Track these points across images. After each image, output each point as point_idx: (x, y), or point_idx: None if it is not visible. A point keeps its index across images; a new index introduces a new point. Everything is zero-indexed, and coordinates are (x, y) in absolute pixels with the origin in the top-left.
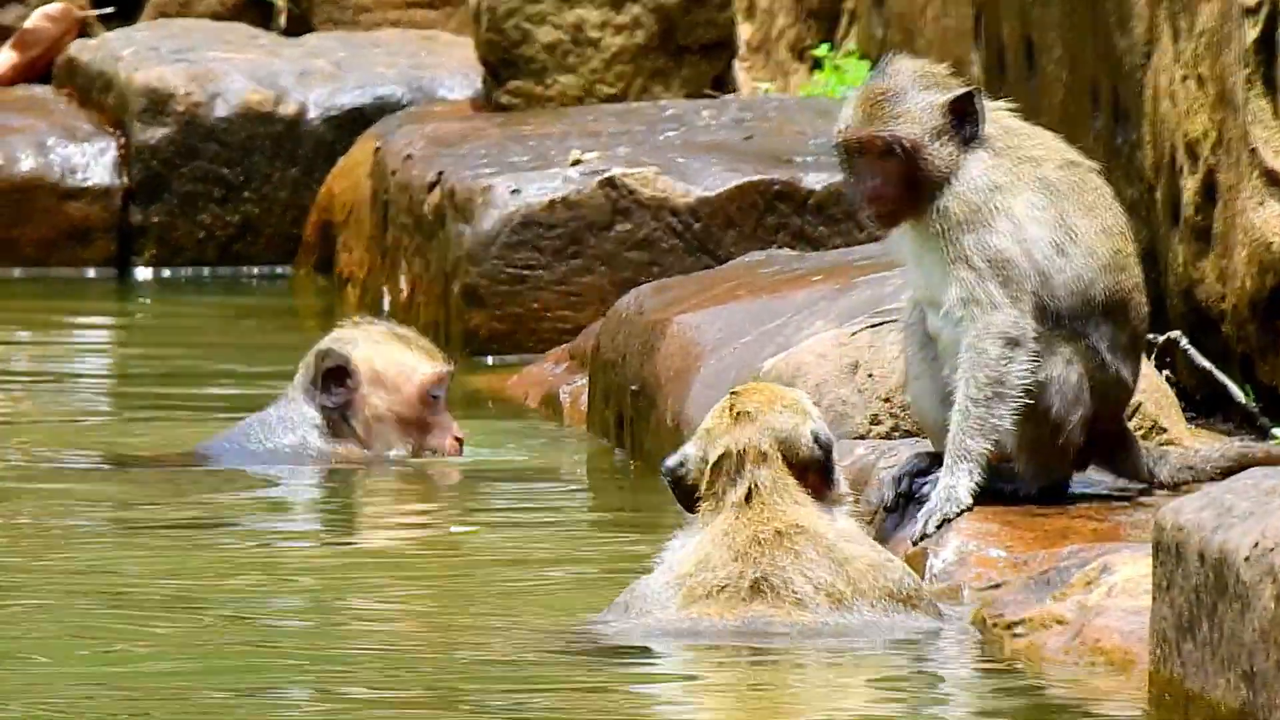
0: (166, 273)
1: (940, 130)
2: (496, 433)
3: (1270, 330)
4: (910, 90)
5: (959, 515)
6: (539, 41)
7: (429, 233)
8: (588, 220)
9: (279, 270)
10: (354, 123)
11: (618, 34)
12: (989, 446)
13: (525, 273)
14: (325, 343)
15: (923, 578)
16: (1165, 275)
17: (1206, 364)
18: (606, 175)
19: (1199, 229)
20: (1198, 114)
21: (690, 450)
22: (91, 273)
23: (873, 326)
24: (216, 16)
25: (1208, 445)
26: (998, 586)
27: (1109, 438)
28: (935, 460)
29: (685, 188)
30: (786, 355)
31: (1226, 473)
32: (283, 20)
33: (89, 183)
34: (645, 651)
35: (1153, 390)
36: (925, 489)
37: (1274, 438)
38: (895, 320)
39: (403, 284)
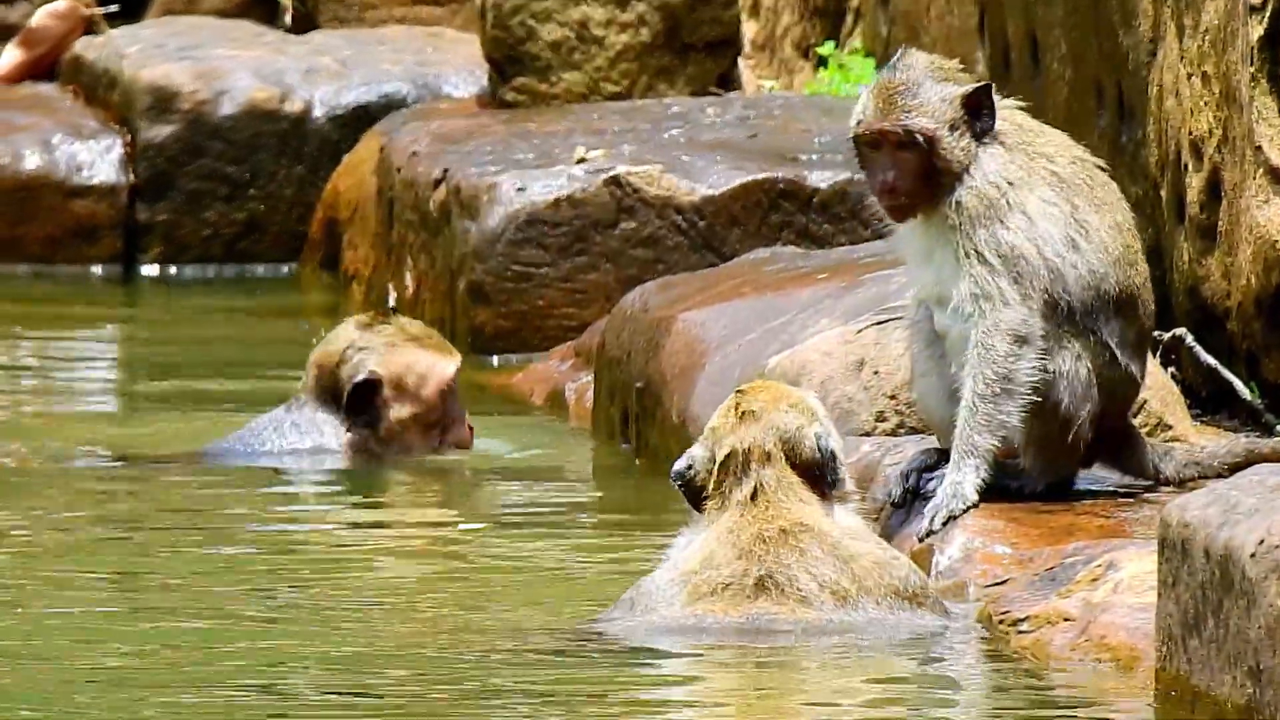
0: (172, 270)
1: (956, 123)
2: (502, 430)
3: (1275, 327)
4: (925, 83)
5: (965, 512)
6: (544, 39)
7: (434, 230)
8: (593, 218)
9: (284, 268)
10: (359, 120)
11: (623, 31)
12: (996, 443)
13: (530, 270)
14: (351, 360)
15: (928, 574)
16: (1170, 272)
17: (1212, 361)
18: (611, 173)
19: (1204, 226)
20: (1202, 112)
21: (697, 452)
22: (97, 270)
23: (878, 324)
24: (222, 14)
25: (1213, 442)
26: (1003, 583)
27: (1115, 434)
28: (942, 456)
29: (690, 185)
30: (792, 353)
31: (1232, 469)
32: (288, 18)
33: (95, 180)
34: (650, 649)
35: (1158, 387)
36: (931, 485)
37: (1279, 434)
38: (901, 317)
39: (408, 281)
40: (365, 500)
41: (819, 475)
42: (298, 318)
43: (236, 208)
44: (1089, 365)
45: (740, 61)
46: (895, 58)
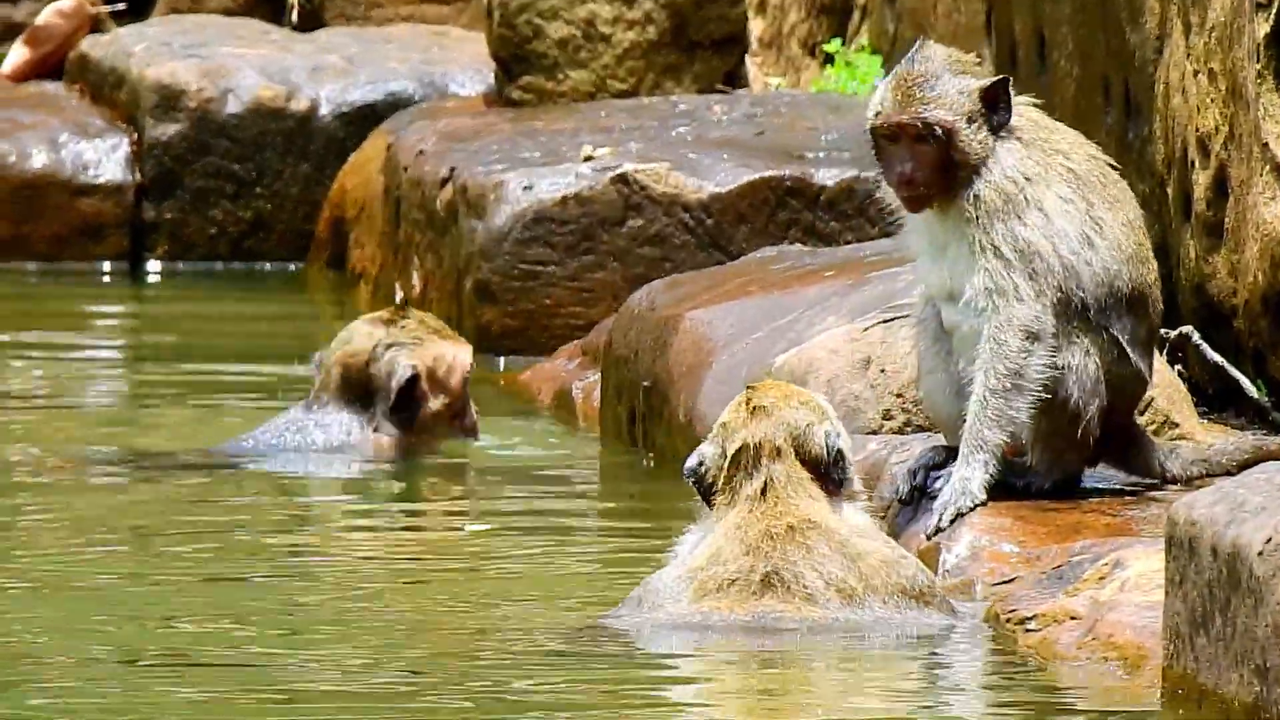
0: (179, 268)
1: (973, 116)
2: (509, 429)
3: None
4: (944, 76)
5: (973, 509)
6: (551, 37)
7: (441, 229)
8: (600, 216)
9: (291, 266)
10: (366, 119)
11: (629, 29)
12: (1005, 438)
13: (537, 269)
14: (383, 357)
15: (935, 573)
16: (1177, 270)
17: (1219, 359)
18: (618, 171)
19: (1210, 224)
20: (1209, 109)
21: (708, 448)
22: (104, 268)
23: (885, 322)
24: (228, 12)
25: (1220, 440)
26: (1010, 582)
27: (1121, 433)
28: (948, 454)
29: (697, 183)
30: (798, 351)
31: (1239, 467)
32: (295, 16)
33: (101, 179)
34: (656, 646)
35: (1165, 385)
36: (939, 483)
37: None
38: (908, 315)
39: (415, 280)
40: (374, 501)
41: (827, 473)
42: (304, 316)
43: (243, 206)
44: (1098, 361)
45: (747, 59)
46: (913, 50)
